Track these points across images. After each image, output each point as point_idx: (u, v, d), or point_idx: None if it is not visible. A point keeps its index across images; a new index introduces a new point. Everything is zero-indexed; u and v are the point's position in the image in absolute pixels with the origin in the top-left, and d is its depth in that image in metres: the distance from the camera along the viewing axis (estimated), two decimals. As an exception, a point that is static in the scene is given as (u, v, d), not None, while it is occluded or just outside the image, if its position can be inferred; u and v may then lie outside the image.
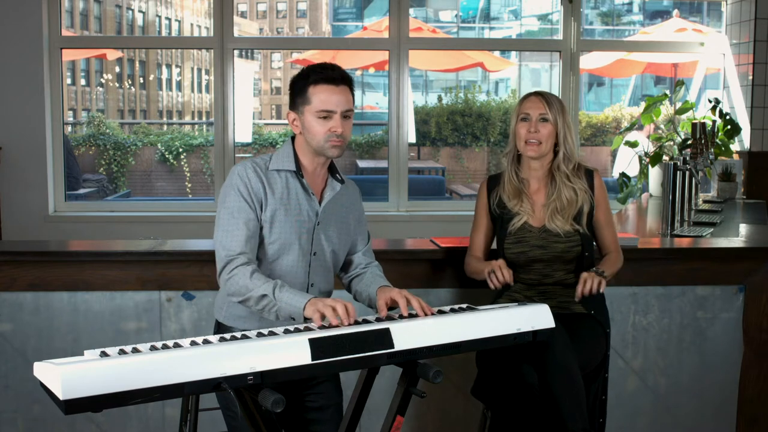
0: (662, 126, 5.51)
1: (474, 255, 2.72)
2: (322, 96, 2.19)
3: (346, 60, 7.55)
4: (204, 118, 19.29)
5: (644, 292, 3.04)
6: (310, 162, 2.28)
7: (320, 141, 2.21)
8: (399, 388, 1.92)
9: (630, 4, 18.35)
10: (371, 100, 15.80)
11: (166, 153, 9.88)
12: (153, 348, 1.69)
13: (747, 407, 3.12)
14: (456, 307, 2.11)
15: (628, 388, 3.07)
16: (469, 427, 2.98)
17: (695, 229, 3.72)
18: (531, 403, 2.35)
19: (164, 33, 20.55)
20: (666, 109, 5.54)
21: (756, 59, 5.45)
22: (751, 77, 5.49)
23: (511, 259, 2.62)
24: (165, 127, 17.41)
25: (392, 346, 1.81)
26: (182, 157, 9.87)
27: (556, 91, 5.80)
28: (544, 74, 16.08)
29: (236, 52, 5.63)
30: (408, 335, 1.84)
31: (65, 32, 5.57)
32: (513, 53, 13.16)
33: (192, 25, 21.35)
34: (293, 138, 2.31)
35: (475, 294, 2.87)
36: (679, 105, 5.27)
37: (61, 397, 1.48)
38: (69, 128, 12.05)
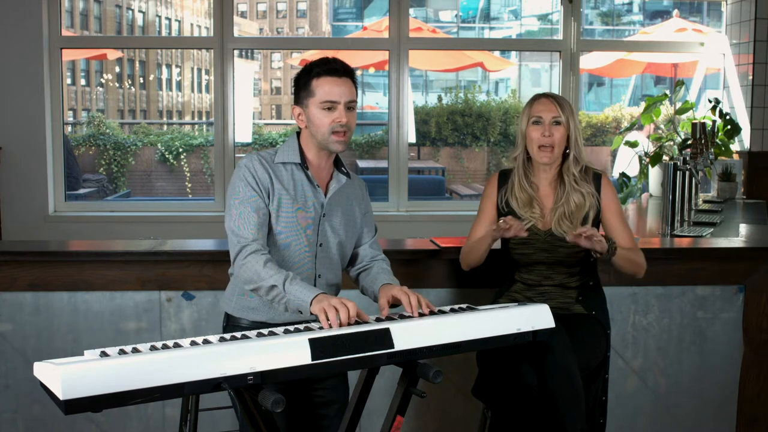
0: (662, 126, 5.51)
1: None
2: (325, 87, 2.23)
3: (346, 60, 7.48)
4: (204, 118, 19.30)
5: (644, 292, 3.04)
6: (315, 156, 2.30)
7: (325, 133, 2.23)
8: (399, 388, 1.92)
9: (630, 4, 18.36)
10: (371, 100, 15.80)
11: (166, 153, 9.88)
12: (153, 348, 1.69)
13: (747, 407, 3.12)
14: (456, 307, 2.11)
15: (628, 388, 3.07)
16: (469, 427, 2.98)
17: (695, 229, 3.72)
18: (530, 403, 2.35)
19: (164, 33, 20.56)
20: (666, 109, 5.54)
21: (756, 59, 5.45)
22: (751, 77, 5.49)
23: (515, 258, 2.62)
24: (165, 127, 17.42)
25: (392, 346, 1.81)
26: (182, 157, 9.88)
27: (555, 91, 5.80)
28: (544, 74, 16.09)
29: (236, 52, 5.63)
30: (408, 335, 1.84)
31: (65, 32, 5.57)
32: (513, 53, 13.17)
33: (192, 25, 21.37)
34: (299, 133, 2.33)
35: (475, 294, 2.87)
36: (679, 105, 5.28)
37: (61, 397, 1.48)
38: (69, 128, 12.05)
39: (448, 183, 9.60)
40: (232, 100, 5.48)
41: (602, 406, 2.61)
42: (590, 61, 8.18)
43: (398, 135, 5.59)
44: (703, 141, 4.18)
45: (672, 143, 5.23)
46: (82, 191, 7.64)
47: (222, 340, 1.79)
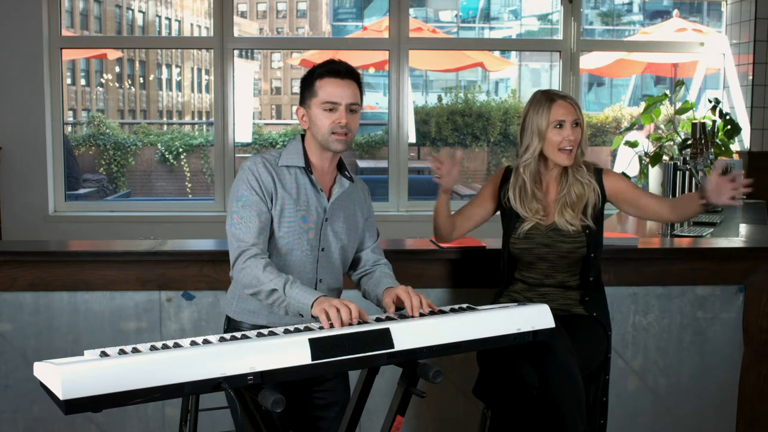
0: (662, 126, 5.51)
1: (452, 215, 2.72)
2: (328, 88, 2.23)
3: (346, 60, 7.52)
4: (204, 118, 19.30)
5: (644, 292, 3.04)
6: (319, 159, 2.30)
7: (325, 133, 2.23)
8: (399, 388, 1.92)
9: (630, 4, 18.36)
10: (371, 100, 15.80)
11: (166, 153, 9.88)
12: (153, 348, 1.69)
13: (747, 407, 3.12)
14: (456, 307, 2.11)
15: (628, 389, 3.07)
16: (469, 427, 2.98)
17: (695, 229, 3.72)
18: (531, 403, 2.35)
19: (164, 33, 20.55)
20: (666, 109, 5.53)
21: (756, 59, 5.45)
22: (751, 77, 5.49)
23: (516, 254, 2.61)
24: (165, 127, 17.42)
25: (392, 346, 1.81)
26: (182, 157, 9.88)
27: (556, 91, 5.78)
28: (544, 74, 16.09)
29: (236, 52, 5.63)
30: (408, 335, 1.84)
31: (65, 32, 5.57)
32: (513, 53, 13.17)
33: (192, 25, 21.36)
34: (303, 135, 2.33)
35: (475, 294, 2.87)
36: (679, 105, 5.27)
37: (61, 397, 1.48)
38: (69, 128, 12.05)
39: (448, 183, 9.57)
40: (232, 100, 5.48)
41: (603, 406, 2.61)
42: (590, 61, 8.18)
43: (398, 135, 5.59)
44: (703, 141, 4.18)
45: (672, 143, 5.23)
46: (82, 191, 7.63)
47: (222, 340, 1.79)
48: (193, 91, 20.66)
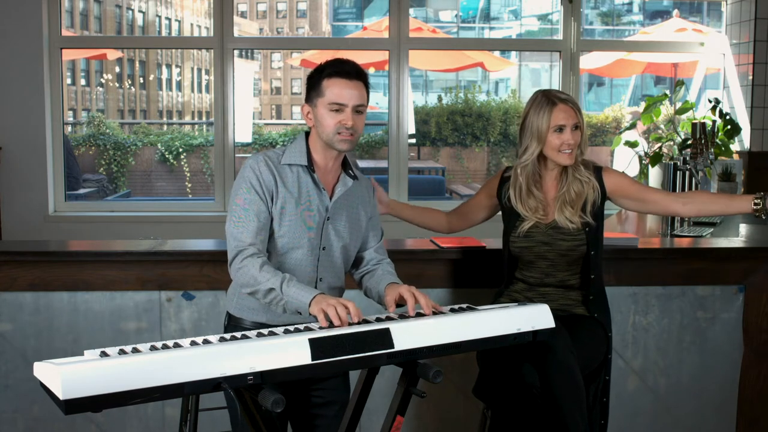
0: (662, 126, 5.51)
1: (446, 212, 2.83)
2: (335, 89, 2.22)
3: (346, 60, 7.52)
4: (204, 118, 19.30)
5: (644, 292, 3.04)
6: (322, 157, 2.29)
7: (330, 133, 2.22)
8: (399, 388, 1.92)
9: (630, 4, 18.36)
10: (371, 100, 15.80)
11: (166, 153, 9.88)
12: (153, 348, 1.69)
13: (747, 407, 3.12)
14: (456, 307, 2.11)
15: (628, 389, 3.07)
16: (469, 427, 2.98)
17: (695, 229, 3.72)
18: (531, 403, 2.35)
19: (164, 33, 20.56)
20: (666, 109, 5.53)
21: (756, 59, 5.45)
22: (751, 77, 5.49)
23: (516, 254, 2.61)
24: (165, 127, 17.42)
25: (392, 346, 1.81)
26: (182, 157, 9.88)
27: (556, 91, 5.78)
28: (544, 74, 16.10)
29: (236, 52, 5.63)
30: (408, 335, 1.84)
31: (65, 32, 5.57)
32: (513, 53, 13.17)
33: (192, 25, 21.37)
34: (307, 133, 2.32)
35: (475, 294, 2.87)
36: (679, 105, 5.27)
37: (61, 397, 1.48)
38: (69, 128, 12.05)
39: (448, 183, 9.60)
40: (232, 100, 5.48)
41: (603, 407, 2.61)
42: (590, 61, 8.18)
43: (398, 135, 5.59)
44: (703, 141, 4.18)
45: (672, 143, 5.23)
46: (82, 191, 7.63)
47: (222, 340, 1.79)
48: (193, 91, 20.67)
